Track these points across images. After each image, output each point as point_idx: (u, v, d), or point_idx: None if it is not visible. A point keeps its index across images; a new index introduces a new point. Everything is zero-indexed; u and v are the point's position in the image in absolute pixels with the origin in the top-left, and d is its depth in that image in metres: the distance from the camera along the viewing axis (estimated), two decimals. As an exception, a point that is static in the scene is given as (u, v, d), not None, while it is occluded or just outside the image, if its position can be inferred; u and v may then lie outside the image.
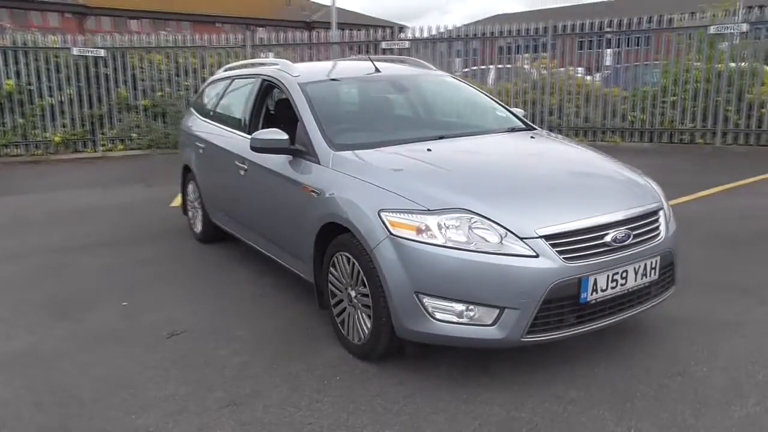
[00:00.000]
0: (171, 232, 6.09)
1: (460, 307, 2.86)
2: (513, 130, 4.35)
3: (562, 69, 11.72)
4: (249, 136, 4.18)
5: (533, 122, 4.70)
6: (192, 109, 6.13)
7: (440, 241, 2.87)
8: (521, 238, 2.83)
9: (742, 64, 10.28)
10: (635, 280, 3.04)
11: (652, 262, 3.10)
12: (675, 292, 3.42)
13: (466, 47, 12.58)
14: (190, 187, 5.83)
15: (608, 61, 11.86)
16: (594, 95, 11.43)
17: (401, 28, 13.56)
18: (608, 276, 2.93)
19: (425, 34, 12.49)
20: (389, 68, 4.90)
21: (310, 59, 12.61)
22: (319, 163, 3.65)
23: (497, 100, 4.89)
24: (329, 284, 3.51)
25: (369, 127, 4.22)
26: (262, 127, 4.44)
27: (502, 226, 2.86)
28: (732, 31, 10.30)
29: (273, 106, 5.04)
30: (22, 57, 11.41)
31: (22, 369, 3.37)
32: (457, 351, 3.23)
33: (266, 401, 2.95)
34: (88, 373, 3.30)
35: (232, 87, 5.34)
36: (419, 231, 2.91)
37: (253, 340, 3.64)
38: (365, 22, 31.00)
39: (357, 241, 3.14)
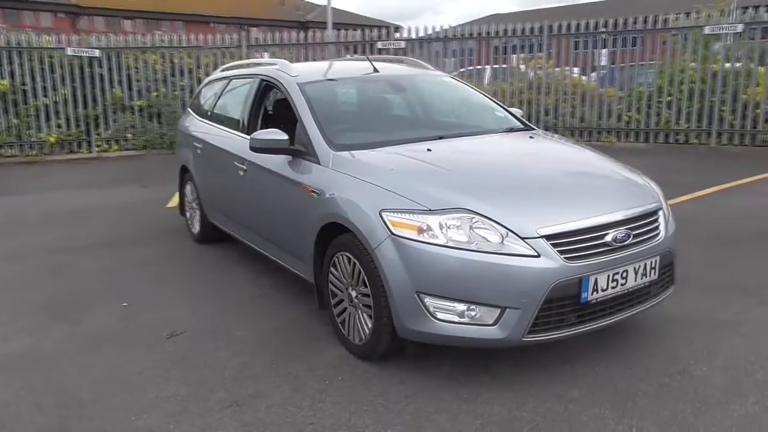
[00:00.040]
0: (168, 233, 6.08)
1: (461, 306, 2.86)
2: (512, 130, 4.36)
3: (557, 69, 11.75)
4: (248, 137, 4.18)
5: (529, 122, 4.70)
6: (189, 110, 6.12)
7: (442, 241, 2.87)
8: (522, 238, 2.84)
9: (737, 64, 10.33)
10: (635, 280, 3.05)
11: (651, 262, 3.11)
12: (674, 292, 3.44)
13: (462, 47, 12.58)
14: (188, 188, 5.81)
15: (604, 61, 11.91)
16: (590, 95, 11.46)
17: (396, 28, 13.52)
18: (609, 276, 2.94)
19: (421, 34, 12.50)
20: (388, 68, 4.90)
21: (306, 59, 12.60)
22: (319, 164, 3.65)
23: (495, 100, 4.90)
24: (329, 284, 3.51)
25: (368, 127, 4.22)
26: (261, 128, 4.44)
27: (503, 226, 2.87)
28: (727, 31, 10.34)
29: (271, 107, 5.03)
30: (17, 57, 11.35)
31: (22, 370, 3.36)
32: (459, 351, 3.24)
33: (268, 401, 2.95)
34: (88, 373, 3.29)
35: (229, 87, 5.33)
36: (421, 231, 2.92)
37: (253, 340, 3.64)
38: (359, 22, 30.97)
39: (358, 241, 3.14)
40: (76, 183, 9.22)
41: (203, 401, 2.97)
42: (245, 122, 4.66)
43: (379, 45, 12.20)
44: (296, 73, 4.35)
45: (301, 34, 13.10)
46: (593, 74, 12.07)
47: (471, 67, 12.70)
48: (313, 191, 3.57)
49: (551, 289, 2.80)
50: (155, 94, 12.12)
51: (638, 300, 3.14)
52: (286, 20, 38.29)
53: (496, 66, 12.57)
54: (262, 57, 11.21)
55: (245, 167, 4.39)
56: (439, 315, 2.90)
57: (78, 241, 5.87)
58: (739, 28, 10.22)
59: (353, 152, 3.61)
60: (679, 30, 10.85)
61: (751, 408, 2.77)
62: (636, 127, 11.11)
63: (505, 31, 11.87)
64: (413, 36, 12.49)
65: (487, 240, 2.85)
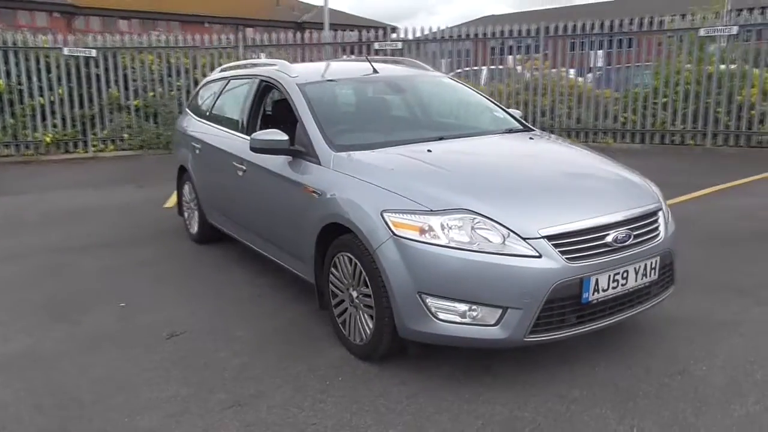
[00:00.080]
0: (166, 233, 6.07)
1: (463, 307, 2.87)
2: (511, 131, 4.38)
3: (554, 70, 11.77)
4: (247, 137, 4.18)
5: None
6: (187, 110, 6.11)
7: (443, 241, 2.88)
8: (524, 239, 2.85)
9: (732, 66, 10.38)
10: (635, 280, 3.07)
11: (651, 262, 3.12)
12: (674, 292, 3.45)
13: (458, 48, 12.60)
14: (186, 188, 5.80)
15: (600, 62, 11.94)
16: (586, 96, 11.49)
17: (393, 29, 13.53)
18: (609, 276, 2.95)
19: (417, 35, 12.51)
20: (387, 69, 4.91)
21: (303, 60, 12.59)
22: (319, 164, 3.65)
23: (494, 101, 4.91)
24: (330, 285, 3.51)
25: (369, 127, 4.23)
26: (260, 128, 4.43)
27: (504, 226, 2.87)
28: (722, 33, 10.39)
29: (271, 107, 5.03)
30: (12, 56, 11.30)
31: (21, 371, 3.35)
32: (460, 351, 3.24)
33: (270, 402, 2.95)
34: (88, 374, 3.28)
35: (228, 88, 5.32)
36: (422, 231, 2.92)
37: (253, 340, 3.63)
38: (355, 22, 30.94)
39: (359, 242, 3.15)
40: (73, 183, 9.19)
41: (204, 402, 2.97)
42: (244, 123, 4.66)
43: (376, 46, 12.21)
44: (296, 74, 4.35)
45: (298, 35, 13.09)
46: (589, 75, 12.10)
47: (467, 68, 12.72)
48: (314, 192, 3.57)
49: (553, 290, 2.81)
50: (152, 94, 12.08)
51: (638, 300, 3.15)
52: (282, 21, 38.22)
53: (492, 67, 12.59)
54: (258, 57, 11.19)
55: (245, 167, 4.39)
56: (441, 315, 2.90)
57: (77, 241, 5.86)
58: (734, 30, 10.28)
59: (354, 153, 3.61)
60: (674, 32, 10.90)
61: (752, 408, 2.79)
62: (632, 128, 11.15)
63: (502, 32, 11.89)
64: (410, 37, 12.50)
65: (489, 240, 2.86)
